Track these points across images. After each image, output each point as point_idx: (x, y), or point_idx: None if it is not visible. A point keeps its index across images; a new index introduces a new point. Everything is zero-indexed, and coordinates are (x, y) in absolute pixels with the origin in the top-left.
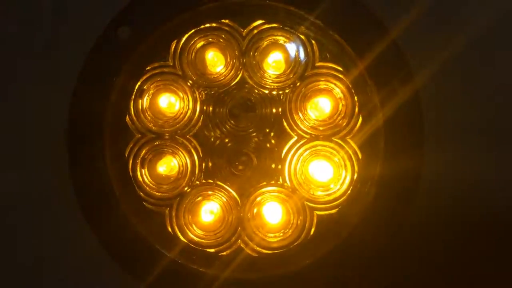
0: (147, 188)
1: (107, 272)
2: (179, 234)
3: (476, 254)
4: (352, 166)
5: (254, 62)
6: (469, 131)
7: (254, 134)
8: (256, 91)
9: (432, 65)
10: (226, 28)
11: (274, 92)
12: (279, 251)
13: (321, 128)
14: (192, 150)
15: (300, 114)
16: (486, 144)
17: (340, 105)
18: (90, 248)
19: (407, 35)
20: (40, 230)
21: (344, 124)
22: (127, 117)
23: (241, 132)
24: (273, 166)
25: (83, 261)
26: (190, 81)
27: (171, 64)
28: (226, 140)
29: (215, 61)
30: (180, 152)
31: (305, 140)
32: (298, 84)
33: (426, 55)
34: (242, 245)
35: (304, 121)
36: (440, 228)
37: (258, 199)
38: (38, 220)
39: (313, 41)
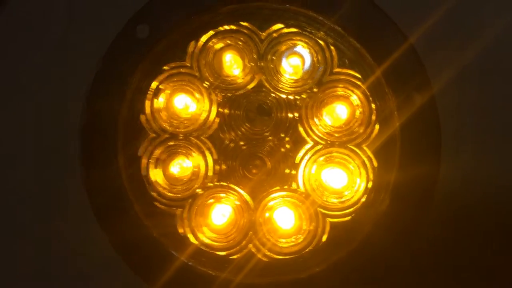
0: (160, 189)
1: (117, 274)
2: (190, 236)
3: (492, 263)
4: (367, 173)
5: (271, 66)
6: (487, 138)
7: (270, 138)
8: (272, 95)
9: (450, 72)
10: (245, 30)
11: (291, 97)
12: (290, 256)
13: (336, 135)
14: (206, 152)
15: (316, 120)
16: (504, 152)
17: (357, 112)
18: (101, 249)
19: (424, 41)
20: (50, 230)
21: (361, 131)
22: (142, 116)
23: (256, 136)
24: (287, 171)
25: (93, 262)
26: (207, 83)
27: (188, 64)
28: (241, 143)
29: (233, 64)
30: (194, 154)
31: (320, 146)
32: (315, 89)
33: (443, 61)
34: (253, 250)
35: (320, 127)
36: (455, 236)
37: (271, 203)
38: (47, 220)
39: (331, 47)
